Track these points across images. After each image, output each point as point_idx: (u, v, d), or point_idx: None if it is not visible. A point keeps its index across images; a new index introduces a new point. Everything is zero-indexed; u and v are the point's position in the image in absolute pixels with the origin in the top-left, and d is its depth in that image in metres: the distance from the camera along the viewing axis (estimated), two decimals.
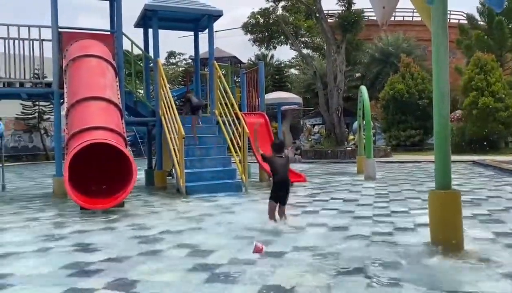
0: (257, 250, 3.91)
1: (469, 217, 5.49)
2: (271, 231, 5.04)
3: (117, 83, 8.92)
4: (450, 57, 29.88)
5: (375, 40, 31.77)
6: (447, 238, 3.79)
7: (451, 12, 34.12)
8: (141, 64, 11.91)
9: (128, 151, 7.20)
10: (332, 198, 7.82)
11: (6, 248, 4.54)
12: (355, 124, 19.19)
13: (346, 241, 4.45)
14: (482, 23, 26.84)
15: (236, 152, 9.43)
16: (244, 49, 61.76)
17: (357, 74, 31.38)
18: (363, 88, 12.23)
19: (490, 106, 20.57)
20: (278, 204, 5.46)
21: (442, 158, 3.91)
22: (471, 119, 21.06)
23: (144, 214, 6.61)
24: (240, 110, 11.07)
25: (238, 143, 9.52)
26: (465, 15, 29.27)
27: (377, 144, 23.34)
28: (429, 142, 23.77)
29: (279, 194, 5.45)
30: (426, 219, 4.16)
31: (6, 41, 9.26)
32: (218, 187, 8.66)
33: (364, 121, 12.31)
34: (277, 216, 5.45)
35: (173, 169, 10.57)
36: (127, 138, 8.13)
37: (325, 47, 24.24)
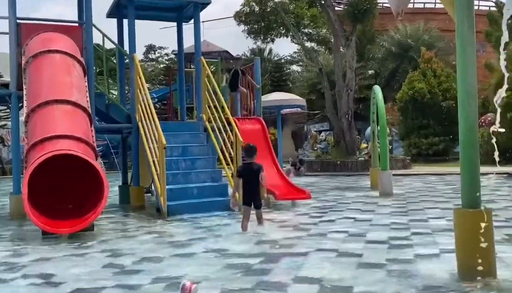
0: None
1: (503, 240, 5.51)
2: (269, 257, 5.06)
3: (86, 83, 8.93)
4: (480, 51, 30.12)
5: (391, 31, 31.97)
6: (476, 265, 3.80)
7: None
8: (115, 61, 11.93)
9: (98, 164, 7.20)
10: (341, 218, 7.84)
11: None
12: (368, 130, 19.28)
13: (358, 270, 4.46)
14: None
15: (227, 164, 9.43)
16: (237, 42, 61.89)
17: (370, 72, 31.54)
18: (377, 88, 12.30)
19: None
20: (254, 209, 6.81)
21: (469, 171, 3.93)
22: (506, 123, 21.17)
23: (117, 239, 6.60)
24: (233, 115, 11.10)
25: (230, 154, 9.53)
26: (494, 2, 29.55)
27: (394, 154, 23.41)
28: (456, 151, 23.86)
29: (249, 198, 6.79)
30: (452, 242, 4.18)
31: None
32: (206, 206, 8.65)
33: (378, 127, 12.37)
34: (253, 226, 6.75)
35: (152, 185, 10.56)
36: (97, 149, 8.12)
37: (332, 40, 24.39)
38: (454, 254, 4.04)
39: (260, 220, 6.99)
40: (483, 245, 3.81)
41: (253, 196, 6.84)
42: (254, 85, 12.35)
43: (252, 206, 6.83)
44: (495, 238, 3.95)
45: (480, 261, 3.81)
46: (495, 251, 3.94)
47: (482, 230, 3.81)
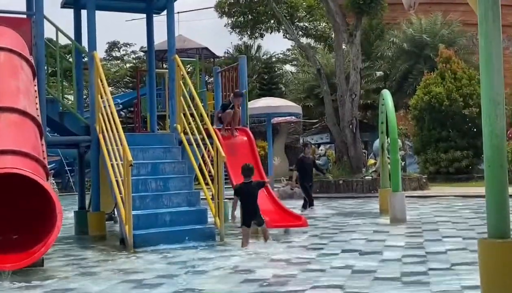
0: None
1: None
2: None
3: (36, 87, 8.91)
4: (509, 48, 30.45)
5: (404, 25, 32.24)
6: None
7: None
8: (71, 60, 11.92)
9: (49, 185, 7.15)
10: (344, 251, 7.83)
11: None
12: (376, 144, 19.36)
13: None
14: None
15: (207, 184, 9.42)
16: (219, 37, 62.06)
17: (379, 73, 31.77)
18: (386, 93, 12.37)
19: None
20: (258, 228, 8.22)
21: (495, 193, 3.94)
22: None
23: (72, 276, 6.55)
24: (213, 125, 11.11)
25: (210, 172, 9.52)
26: None
27: (407, 172, 23.52)
28: (482, 168, 23.97)
29: (249, 218, 7.97)
30: (476, 279, 4.19)
31: None
32: (181, 236, 8.61)
33: (388, 139, 12.43)
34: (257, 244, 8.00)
35: (115, 211, 10.50)
36: (49, 166, 8.07)
37: (333, 36, 24.59)
38: None
39: (265, 235, 8.32)
40: None
41: (252, 215, 8.07)
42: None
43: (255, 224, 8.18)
44: None
45: None
46: None
47: None
